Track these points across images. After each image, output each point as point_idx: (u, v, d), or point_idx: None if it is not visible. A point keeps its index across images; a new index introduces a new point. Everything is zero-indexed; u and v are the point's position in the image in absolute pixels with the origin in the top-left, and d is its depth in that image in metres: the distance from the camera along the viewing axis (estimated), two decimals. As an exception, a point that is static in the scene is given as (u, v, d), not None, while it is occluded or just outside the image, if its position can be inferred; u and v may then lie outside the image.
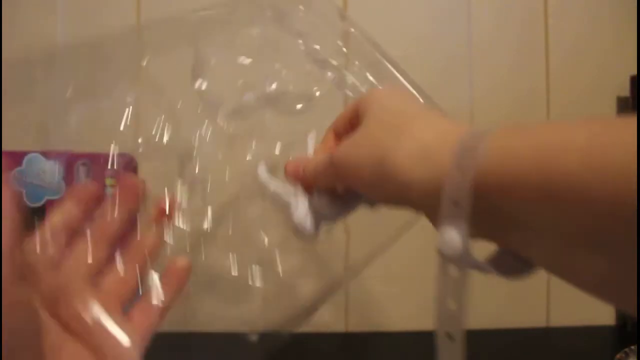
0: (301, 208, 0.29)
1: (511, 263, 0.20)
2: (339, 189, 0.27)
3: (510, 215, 0.17)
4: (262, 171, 0.32)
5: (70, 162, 0.39)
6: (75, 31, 0.54)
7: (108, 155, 0.40)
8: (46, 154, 0.39)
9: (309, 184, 0.28)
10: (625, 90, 0.58)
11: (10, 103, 0.33)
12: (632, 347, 0.47)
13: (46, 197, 0.38)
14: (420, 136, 0.20)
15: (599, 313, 0.57)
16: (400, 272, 0.57)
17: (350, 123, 0.27)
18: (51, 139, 0.37)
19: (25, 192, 0.38)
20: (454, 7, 0.59)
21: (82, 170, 0.39)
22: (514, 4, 0.59)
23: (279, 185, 0.30)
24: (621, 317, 0.56)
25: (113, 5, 0.56)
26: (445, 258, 0.18)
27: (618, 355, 0.47)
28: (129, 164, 0.40)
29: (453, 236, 0.18)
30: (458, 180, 0.17)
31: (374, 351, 0.53)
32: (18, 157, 0.38)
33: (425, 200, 0.19)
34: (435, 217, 0.18)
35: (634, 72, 0.57)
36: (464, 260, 0.18)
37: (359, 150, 0.22)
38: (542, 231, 0.17)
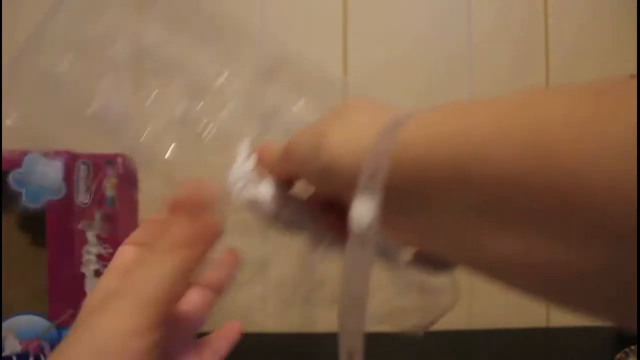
0: (240, 172, 0.27)
1: (423, 258, 0.20)
2: (290, 180, 0.27)
3: (426, 197, 0.17)
4: (244, 144, 0.29)
5: (70, 162, 0.39)
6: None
7: (108, 156, 0.40)
8: (46, 154, 0.39)
9: (270, 170, 0.28)
10: (625, 90, 0.58)
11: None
12: (632, 347, 0.47)
13: (46, 198, 0.38)
14: (356, 118, 0.21)
15: (599, 313, 0.57)
16: (400, 272, 0.57)
17: None
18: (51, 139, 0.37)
19: (24, 193, 0.38)
20: (454, 7, 0.59)
21: (83, 170, 0.39)
22: (514, 4, 0.59)
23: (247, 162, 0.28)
24: (621, 317, 0.56)
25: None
26: (356, 231, 0.18)
27: (618, 355, 0.47)
28: (129, 164, 0.40)
29: (364, 206, 0.17)
30: (377, 154, 0.18)
31: (375, 351, 0.53)
32: (18, 157, 0.38)
33: (347, 178, 0.19)
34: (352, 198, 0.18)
35: (634, 71, 0.57)
36: (373, 233, 0.18)
37: (306, 132, 0.23)
38: (457, 212, 0.16)
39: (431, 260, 0.20)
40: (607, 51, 0.59)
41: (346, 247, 0.18)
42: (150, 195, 0.41)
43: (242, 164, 0.28)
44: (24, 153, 0.38)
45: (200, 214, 0.23)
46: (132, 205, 0.42)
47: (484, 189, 0.15)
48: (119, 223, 0.40)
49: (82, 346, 0.20)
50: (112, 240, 0.39)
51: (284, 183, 0.27)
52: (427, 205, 0.17)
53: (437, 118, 0.17)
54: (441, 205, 0.17)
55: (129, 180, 0.40)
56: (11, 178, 0.38)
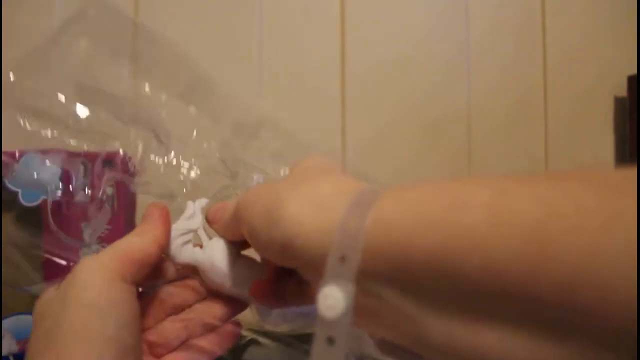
0: (181, 229, 0.26)
1: (396, 348, 0.18)
2: (238, 239, 0.25)
3: (406, 286, 0.15)
4: (199, 204, 0.28)
5: (68, 161, 0.39)
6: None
7: (107, 155, 0.40)
8: (44, 153, 0.38)
9: (220, 233, 0.26)
10: (623, 91, 0.58)
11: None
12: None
13: (42, 197, 0.38)
14: (318, 186, 0.19)
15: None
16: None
17: None
18: (49, 138, 0.37)
19: (21, 192, 0.38)
20: (451, 9, 0.59)
21: (81, 170, 0.39)
22: (511, 4, 0.59)
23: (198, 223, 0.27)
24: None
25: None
26: (325, 323, 0.15)
27: None
28: (127, 164, 0.40)
29: (335, 295, 0.15)
30: (348, 234, 0.15)
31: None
32: (15, 157, 0.38)
33: (310, 255, 0.17)
34: (317, 278, 0.16)
35: (632, 72, 0.57)
36: (345, 326, 0.15)
37: (258, 197, 0.21)
38: (441, 306, 0.14)
39: (398, 347, 0.18)
40: (605, 51, 0.59)
41: (314, 340, 0.16)
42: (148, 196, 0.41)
43: (187, 221, 0.26)
44: (21, 152, 0.38)
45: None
46: (130, 205, 0.42)
47: (473, 284, 0.13)
48: (118, 223, 0.40)
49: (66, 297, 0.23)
50: (111, 240, 0.39)
51: (238, 243, 0.25)
52: (406, 294, 0.15)
53: (419, 197, 0.15)
54: (424, 296, 0.15)
55: (127, 180, 0.40)
56: (7, 177, 0.38)
